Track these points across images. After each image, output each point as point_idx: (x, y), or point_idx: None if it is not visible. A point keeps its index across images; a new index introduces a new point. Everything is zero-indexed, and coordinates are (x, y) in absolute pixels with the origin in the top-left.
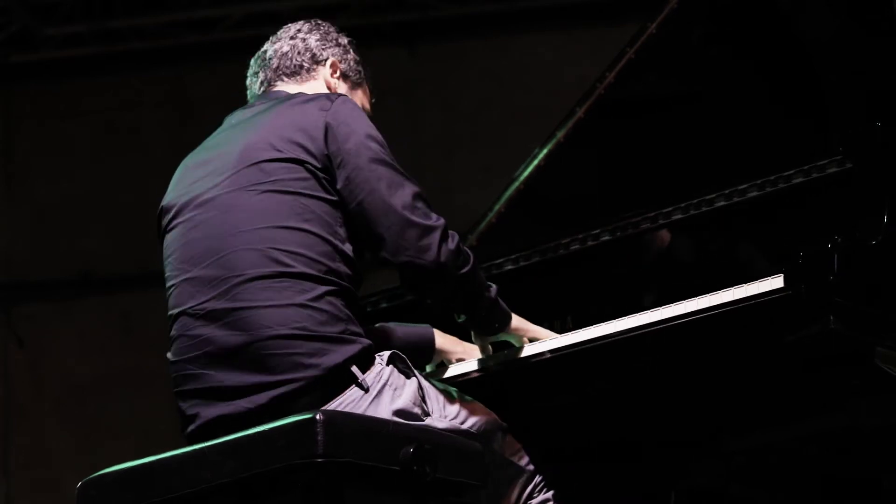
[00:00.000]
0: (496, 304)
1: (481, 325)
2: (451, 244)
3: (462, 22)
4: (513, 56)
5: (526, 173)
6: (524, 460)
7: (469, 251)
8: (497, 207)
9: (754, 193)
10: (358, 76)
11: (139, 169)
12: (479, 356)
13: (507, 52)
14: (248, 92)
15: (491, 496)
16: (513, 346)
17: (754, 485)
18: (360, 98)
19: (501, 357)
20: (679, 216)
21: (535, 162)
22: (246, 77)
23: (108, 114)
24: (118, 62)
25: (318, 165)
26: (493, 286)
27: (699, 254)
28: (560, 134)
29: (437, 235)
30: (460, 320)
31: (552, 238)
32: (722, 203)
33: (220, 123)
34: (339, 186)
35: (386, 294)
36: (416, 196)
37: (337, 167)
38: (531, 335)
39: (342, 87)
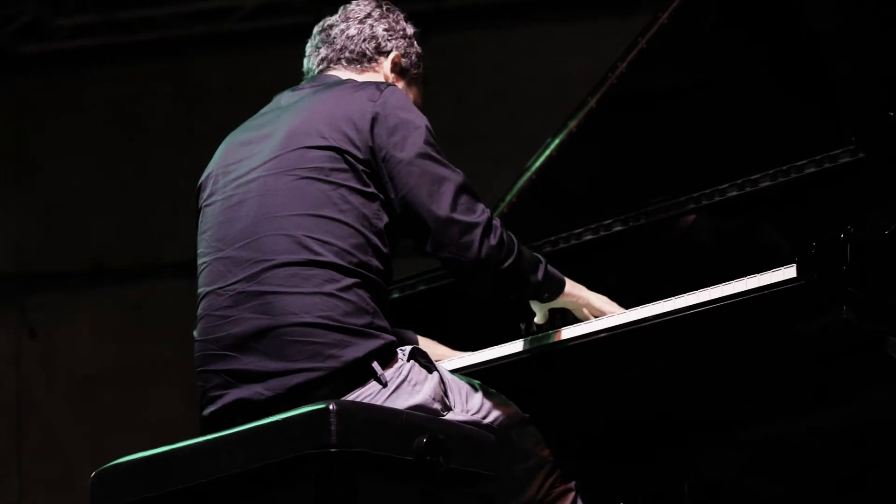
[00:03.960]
0: (544, 281)
1: (531, 298)
2: (493, 239)
3: (473, 13)
4: (524, 47)
5: (538, 163)
6: (546, 451)
7: (514, 239)
8: (509, 198)
9: (767, 184)
10: (417, 72)
11: (150, 160)
12: (456, 359)
13: (517, 43)
14: (305, 61)
15: (513, 488)
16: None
17: (766, 476)
18: (415, 94)
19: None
20: (691, 206)
21: (548, 152)
22: (255, 65)
23: (118, 104)
24: (128, 53)
25: (361, 157)
26: (542, 262)
27: (711, 244)
28: (572, 124)
29: (478, 232)
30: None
31: (564, 228)
32: (734, 193)
33: (230, 115)
34: (383, 180)
35: (424, 277)
36: (460, 190)
37: (381, 160)
38: (583, 302)
39: (399, 84)
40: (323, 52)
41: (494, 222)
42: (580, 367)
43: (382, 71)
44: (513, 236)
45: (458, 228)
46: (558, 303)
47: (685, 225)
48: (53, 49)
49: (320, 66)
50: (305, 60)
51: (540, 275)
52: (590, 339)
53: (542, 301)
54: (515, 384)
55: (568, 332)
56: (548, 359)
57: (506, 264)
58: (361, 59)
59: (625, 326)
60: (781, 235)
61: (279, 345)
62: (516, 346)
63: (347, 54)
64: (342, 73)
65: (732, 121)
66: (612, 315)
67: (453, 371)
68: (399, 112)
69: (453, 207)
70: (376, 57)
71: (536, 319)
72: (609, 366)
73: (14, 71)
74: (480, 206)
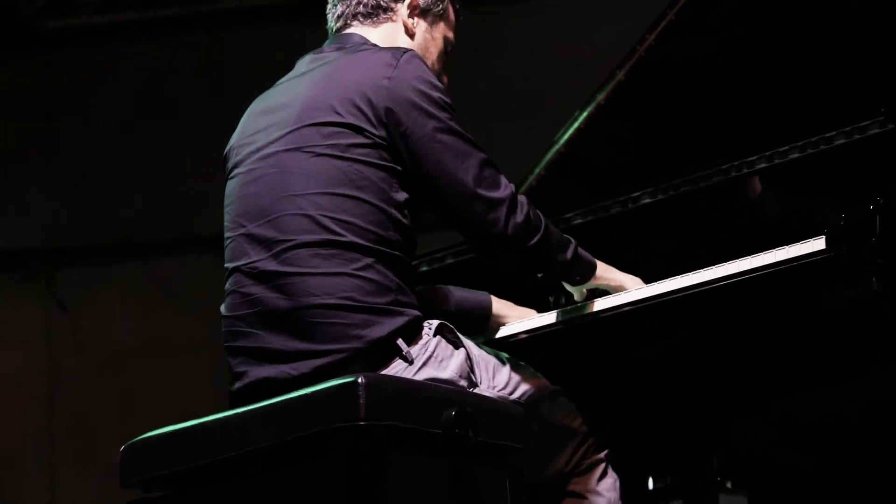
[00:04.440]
0: (574, 262)
1: (560, 280)
2: (520, 216)
3: None
4: (552, 19)
5: (566, 136)
6: (576, 422)
7: (541, 217)
8: (538, 171)
9: (796, 155)
10: (439, 7)
11: (177, 133)
12: (534, 318)
13: (546, 16)
14: (327, 23)
15: (543, 460)
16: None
17: (794, 450)
18: (443, 30)
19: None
20: (720, 178)
21: (576, 125)
22: (283, 39)
23: (146, 79)
24: (155, 28)
25: (377, 133)
26: (571, 243)
27: (740, 216)
28: (600, 97)
29: (503, 209)
30: (539, 276)
31: (593, 201)
32: (763, 165)
33: (257, 89)
34: (402, 155)
35: (452, 250)
36: (483, 165)
37: (399, 136)
38: (615, 285)
39: (421, 27)
40: (339, 8)
41: (520, 198)
42: (611, 338)
43: (400, 19)
44: (540, 214)
45: (483, 205)
46: (590, 285)
47: (714, 197)
48: (80, 24)
49: (338, 24)
50: (327, 20)
51: (569, 254)
52: (620, 310)
53: (574, 283)
54: (546, 355)
55: (600, 304)
56: (580, 330)
57: (532, 241)
58: (377, 11)
59: (654, 298)
60: (810, 207)
61: (303, 326)
62: (550, 318)
63: (362, 8)
64: (360, 29)
65: (761, 92)
66: (643, 287)
67: (493, 341)
68: (416, 83)
69: (478, 183)
70: (392, 5)
71: (575, 298)
72: (639, 337)
73: (41, 46)
74: (504, 181)
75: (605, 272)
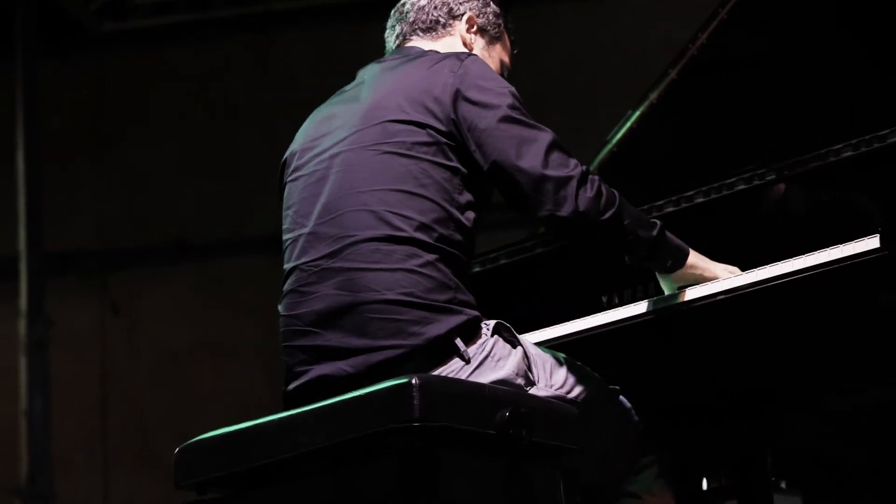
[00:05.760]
0: (659, 242)
1: (649, 264)
2: (590, 191)
3: None
4: (603, 16)
5: (618, 136)
6: (632, 423)
7: (615, 194)
8: (590, 170)
9: (849, 154)
10: (496, 30)
11: (230, 135)
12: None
13: (597, 12)
14: (386, 44)
15: (598, 460)
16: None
17: (849, 448)
18: (499, 52)
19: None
20: (772, 178)
21: (629, 124)
22: (336, 39)
23: (198, 80)
24: (208, 29)
25: (444, 130)
26: (658, 224)
27: (793, 215)
28: (653, 95)
29: (573, 185)
30: (627, 261)
31: (646, 201)
32: (817, 164)
33: (309, 88)
34: (471, 151)
35: (505, 251)
36: (550, 147)
37: (467, 131)
38: (710, 275)
39: (479, 43)
40: (398, 28)
41: (591, 176)
42: (668, 336)
43: (458, 33)
44: (615, 191)
45: (552, 185)
46: (685, 276)
47: (767, 196)
48: (135, 27)
49: (398, 41)
50: (386, 43)
51: (654, 232)
52: (684, 308)
53: (667, 269)
54: (601, 353)
55: (657, 303)
56: (640, 327)
57: (606, 216)
58: (436, 27)
59: (708, 297)
60: (864, 206)
61: (362, 322)
62: (608, 316)
63: (421, 24)
64: (420, 42)
65: (814, 90)
66: (696, 286)
67: (550, 341)
68: (480, 81)
69: (545, 165)
70: (450, 21)
71: (666, 291)
72: (696, 338)
73: (96, 49)
74: (573, 161)
75: (699, 260)
